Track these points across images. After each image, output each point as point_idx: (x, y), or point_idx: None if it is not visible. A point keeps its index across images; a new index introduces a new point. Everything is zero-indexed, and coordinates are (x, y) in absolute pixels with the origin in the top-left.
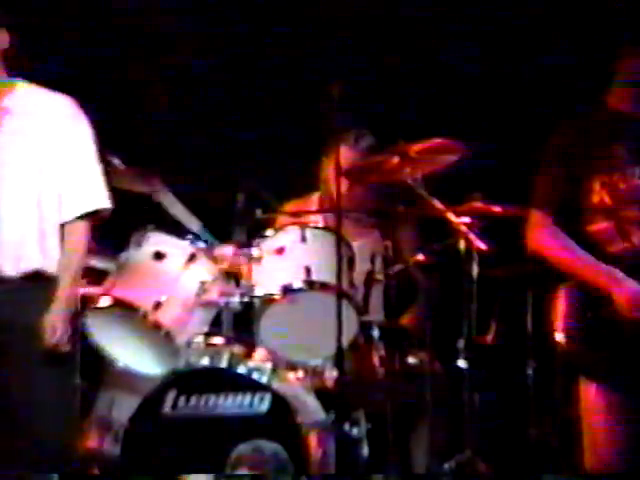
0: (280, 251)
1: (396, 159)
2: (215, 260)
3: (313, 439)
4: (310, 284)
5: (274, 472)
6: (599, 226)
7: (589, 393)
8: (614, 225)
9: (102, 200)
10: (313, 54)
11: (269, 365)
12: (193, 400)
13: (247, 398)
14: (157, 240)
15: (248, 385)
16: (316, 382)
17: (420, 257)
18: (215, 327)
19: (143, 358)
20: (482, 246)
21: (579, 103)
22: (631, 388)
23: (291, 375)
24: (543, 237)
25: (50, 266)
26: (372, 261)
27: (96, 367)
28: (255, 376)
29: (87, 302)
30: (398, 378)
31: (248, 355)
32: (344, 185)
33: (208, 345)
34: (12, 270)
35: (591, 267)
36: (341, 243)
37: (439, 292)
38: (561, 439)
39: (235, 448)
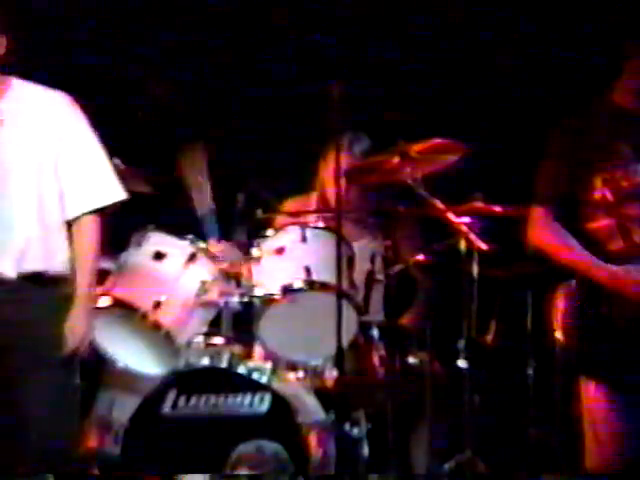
0: (280, 251)
1: (396, 159)
2: (215, 260)
3: (313, 439)
4: (310, 284)
5: (274, 472)
6: (600, 223)
7: (589, 392)
8: (615, 222)
9: (116, 192)
10: (313, 54)
11: (269, 365)
12: (193, 400)
13: (247, 398)
14: (157, 240)
15: (248, 385)
16: (316, 382)
17: (420, 257)
18: (215, 327)
19: (143, 358)
20: (482, 246)
21: (580, 103)
22: (631, 387)
23: (291, 375)
24: (543, 233)
25: (53, 266)
26: (372, 261)
27: (96, 367)
28: (255, 376)
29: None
30: (398, 378)
31: (248, 355)
32: (345, 188)
33: (208, 345)
34: (13, 272)
35: (591, 264)
36: (341, 243)
37: (439, 292)
38: (561, 439)
39: (235, 448)
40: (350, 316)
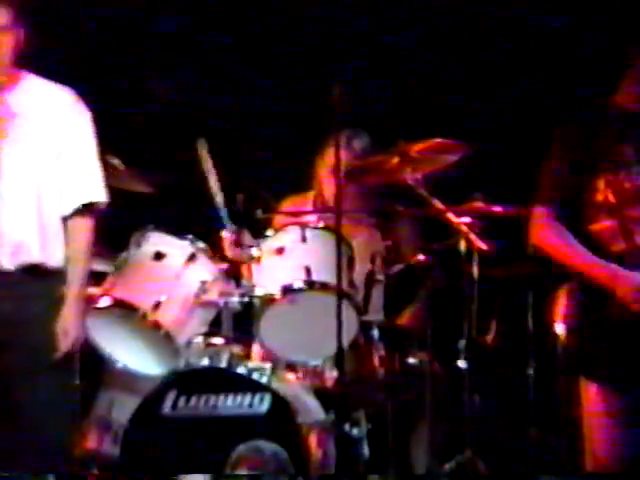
0: (280, 251)
1: (396, 159)
2: (215, 259)
3: (313, 439)
4: (310, 284)
5: (274, 472)
6: (602, 225)
7: (590, 394)
8: (617, 224)
9: (98, 193)
10: (314, 54)
11: (269, 365)
12: (193, 400)
13: (247, 398)
14: (157, 240)
15: (248, 385)
16: (316, 382)
17: (420, 257)
18: (215, 327)
19: (143, 358)
20: (483, 246)
21: (581, 103)
22: (633, 389)
23: (291, 375)
24: (545, 233)
25: (51, 260)
26: (372, 261)
27: (96, 367)
28: (255, 376)
29: (87, 302)
30: (398, 378)
31: (248, 355)
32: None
33: (208, 345)
34: (10, 264)
35: (592, 264)
36: (341, 243)
37: (439, 292)
38: (561, 439)
39: (235, 448)
40: (350, 316)
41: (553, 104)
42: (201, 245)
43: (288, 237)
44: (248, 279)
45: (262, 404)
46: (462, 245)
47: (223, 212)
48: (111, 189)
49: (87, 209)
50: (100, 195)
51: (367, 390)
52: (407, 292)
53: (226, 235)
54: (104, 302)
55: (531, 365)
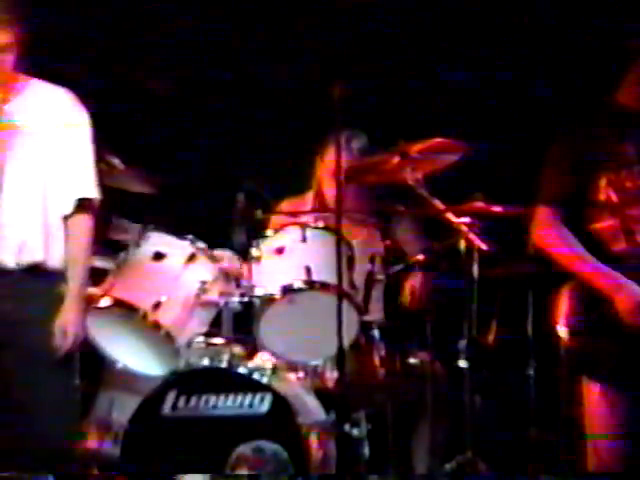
0: (280, 251)
1: (396, 159)
2: (215, 259)
3: (314, 440)
4: (310, 284)
5: (274, 473)
6: (604, 224)
7: (591, 393)
8: (619, 223)
9: (90, 189)
10: (313, 54)
11: (269, 365)
12: (193, 400)
13: (247, 398)
14: (157, 240)
15: (248, 385)
16: (317, 382)
17: (420, 257)
18: (215, 327)
19: (143, 358)
20: (483, 246)
21: (582, 102)
22: (634, 388)
23: (291, 375)
24: (547, 234)
25: (52, 259)
26: (372, 261)
27: (96, 367)
28: (255, 376)
29: (87, 302)
30: (399, 378)
31: (249, 355)
32: (334, 185)
33: (208, 345)
34: (13, 262)
35: (594, 269)
36: (341, 243)
37: (439, 292)
38: (561, 439)
39: (235, 449)
40: (350, 316)
41: (554, 103)
42: (201, 245)
43: (288, 237)
44: (248, 279)
45: (262, 404)
46: (462, 245)
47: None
48: (111, 189)
49: (85, 207)
50: (92, 192)
51: (368, 390)
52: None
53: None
54: (104, 302)
55: (531, 365)
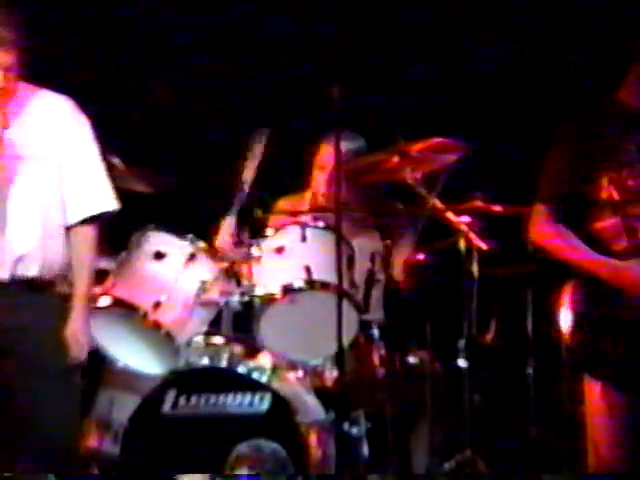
0: (280, 250)
1: (396, 158)
2: (215, 259)
3: (313, 439)
4: (310, 283)
5: (274, 472)
6: (606, 222)
7: (594, 392)
8: (621, 221)
9: (109, 202)
10: (313, 54)
11: (269, 364)
12: (193, 400)
13: (247, 398)
14: (157, 240)
15: (248, 385)
16: (316, 381)
17: (420, 256)
18: (215, 327)
19: (143, 358)
20: (482, 245)
21: (582, 102)
22: (637, 388)
23: (291, 375)
24: (545, 231)
25: (49, 272)
26: (372, 260)
27: (96, 367)
28: (255, 376)
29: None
30: (398, 378)
31: (249, 355)
32: (328, 185)
33: (208, 345)
34: (8, 275)
35: (592, 260)
36: (341, 242)
37: (439, 292)
38: (562, 438)
39: (235, 448)
40: (350, 315)
41: (554, 102)
42: (201, 245)
43: (288, 236)
44: (248, 278)
45: (262, 403)
46: (462, 244)
47: (241, 196)
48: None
49: (94, 219)
50: (111, 204)
51: (367, 389)
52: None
53: (227, 223)
54: (104, 302)
55: (531, 364)
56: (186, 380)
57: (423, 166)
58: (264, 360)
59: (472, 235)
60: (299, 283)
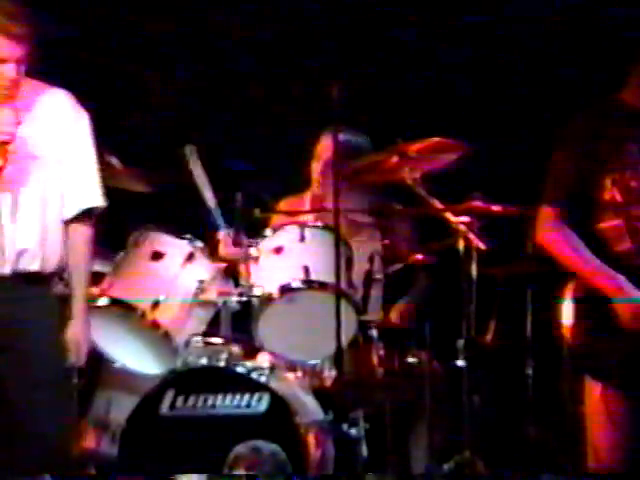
0: (278, 250)
1: (395, 158)
2: (213, 259)
3: (311, 439)
4: (309, 284)
5: (272, 472)
6: (609, 224)
7: (594, 393)
8: (624, 223)
9: (96, 198)
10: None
11: (267, 365)
12: (191, 400)
13: (245, 398)
14: (155, 240)
15: (246, 385)
16: (315, 382)
17: (419, 256)
18: (213, 327)
19: (141, 358)
20: (481, 245)
21: (582, 102)
22: (637, 389)
23: (290, 375)
24: (551, 234)
25: (49, 266)
26: (371, 261)
27: (93, 367)
28: (253, 376)
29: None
30: (397, 378)
31: (247, 355)
32: (327, 184)
33: (206, 345)
34: (9, 269)
35: (596, 269)
36: (340, 242)
37: (438, 291)
38: (561, 439)
39: (233, 448)
40: (349, 316)
41: (554, 103)
42: (199, 244)
43: (287, 236)
44: (246, 279)
45: (260, 404)
46: (461, 244)
47: (217, 214)
48: (109, 188)
49: (87, 215)
50: (98, 200)
51: (366, 390)
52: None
53: (223, 236)
54: (102, 301)
55: (530, 364)
56: (184, 380)
57: (422, 166)
58: (262, 360)
59: (471, 235)
60: (297, 283)
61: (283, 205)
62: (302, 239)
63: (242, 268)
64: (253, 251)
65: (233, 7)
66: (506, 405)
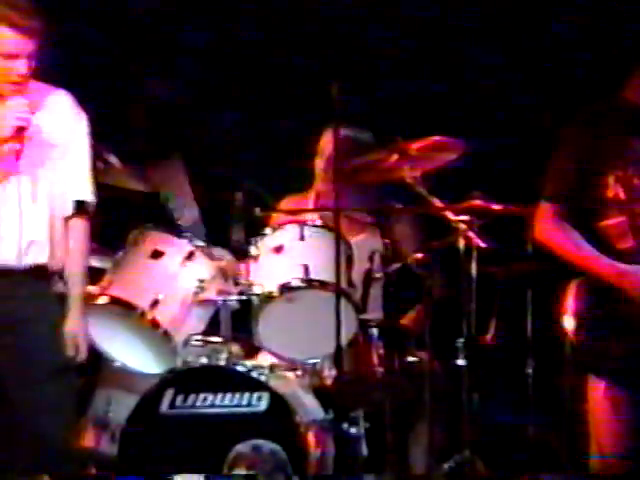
0: (278, 249)
1: (395, 157)
2: (213, 258)
3: (311, 438)
4: (308, 282)
5: (272, 471)
6: (612, 221)
7: (597, 391)
8: (627, 220)
9: (87, 192)
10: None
11: (267, 364)
12: (191, 399)
13: (245, 397)
14: (155, 238)
15: (246, 384)
16: (315, 381)
17: (419, 255)
18: (213, 326)
19: (140, 357)
20: (481, 244)
21: (584, 101)
22: None
23: (289, 374)
24: (551, 230)
25: (55, 261)
26: (371, 259)
27: (93, 366)
28: (253, 375)
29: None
30: (397, 377)
31: (247, 354)
32: (328, 183)
33: (206, 343)
34: (20, 263)
35: (597, 262)
36: (340, 241)
37: (438, 291)
38: (562, 438)
39: (233, 447)
40: (349, 315)
41: (554, 102)
42: (199, 243)
43: (287, 235)
44: (246, 277)
45: (260, 403)
46: (461, 243)
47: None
48: (109, 187)
49: (82, 210)
50: (88, 195)
51: (366, 389)
52: (406, 291)
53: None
54: (101, 300)
55: (530, 364)
56: (184, 379)
57: (422, 165)
58: (262, 359)
59: (471, 234)
60: (297, 282)
61: (285, 204)
62: (302, 238)
63: (242, 267)
64: (253, 250)
65: (233, 7)
66: (506, 404)
